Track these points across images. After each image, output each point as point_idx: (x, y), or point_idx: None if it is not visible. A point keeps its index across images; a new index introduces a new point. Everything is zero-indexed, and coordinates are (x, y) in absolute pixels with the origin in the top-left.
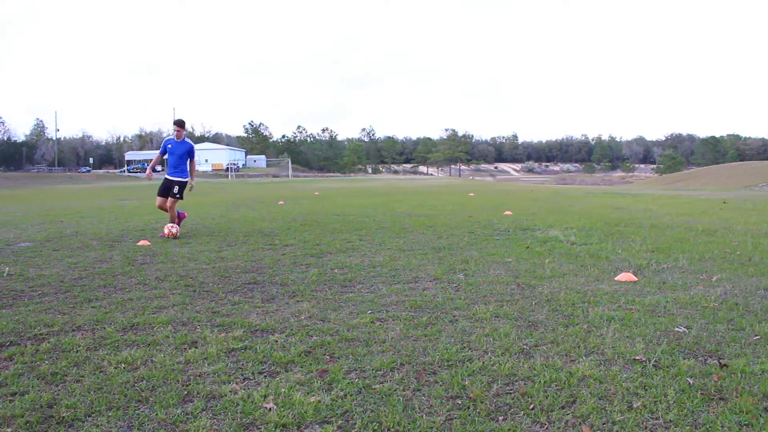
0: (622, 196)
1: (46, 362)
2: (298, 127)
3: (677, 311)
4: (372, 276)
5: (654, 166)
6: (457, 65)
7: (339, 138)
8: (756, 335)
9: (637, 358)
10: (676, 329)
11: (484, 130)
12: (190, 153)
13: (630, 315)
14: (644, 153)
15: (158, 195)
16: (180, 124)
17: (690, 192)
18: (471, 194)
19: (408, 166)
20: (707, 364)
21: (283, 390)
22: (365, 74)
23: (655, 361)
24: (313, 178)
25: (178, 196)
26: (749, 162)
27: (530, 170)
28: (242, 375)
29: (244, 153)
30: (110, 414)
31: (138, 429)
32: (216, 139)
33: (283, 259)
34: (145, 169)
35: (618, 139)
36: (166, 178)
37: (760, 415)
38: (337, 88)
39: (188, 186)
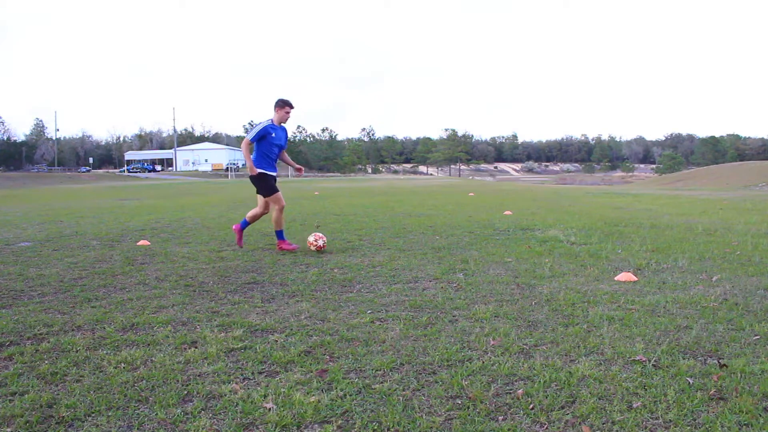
0: (622, 196)
1: (46, 362)
2: (298, 127)
3: (677, 311)
4: (372, 276)
5: (654, 166)
6: (457, 65)
7: (339, 138)
8: (756, 335)
9: (637, 358)
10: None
11: (483, 130)
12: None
13: (630, 315)
14: (644, 153)
15: (276, 191)
16: (292, 104)
17: (690, 192)
18: (471, 194)
19: (408, 166)
20: (707, 364)
21: (282, 390)
22: (365, 74)
23: (655, 361)
24: (313, 178)
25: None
26: (749, 162)
27: (530, 170)
28: (242, 375)
29: None
30: (110, 414)
31: (138, 429)
32: (216, 138)
33: (283, 259)
34: (146, 168)
35: (618, 139)
36: (271, 175)
37: (760, 415)
38: (337, 88)
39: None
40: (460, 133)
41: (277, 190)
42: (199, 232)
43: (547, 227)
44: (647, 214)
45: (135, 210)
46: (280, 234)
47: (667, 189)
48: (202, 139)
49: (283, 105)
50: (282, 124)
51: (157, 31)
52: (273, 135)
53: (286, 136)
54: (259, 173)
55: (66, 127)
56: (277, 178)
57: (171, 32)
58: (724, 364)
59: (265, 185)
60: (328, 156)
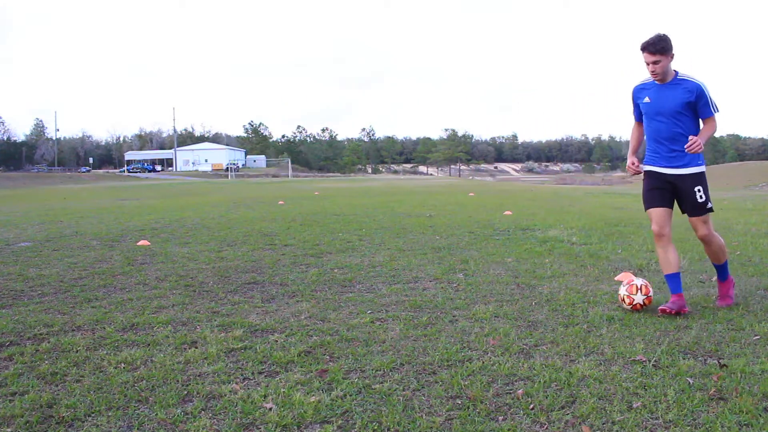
0: (622, 196)
1: (46, 362)
2: (298, 127)
3: None
4: (372, 276)
5: None
6: (457, 65)
7: (339, 138)
8: (756, 335)
9: (637, 358)
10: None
11: (484, 130)
12: (698, 103)
13: (630, 315)
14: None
15: (651, 206)
16: (661, 47)
17: None
18: (471, 194)
19: (408, 166)
20: (707, 364)
21: (283, 390)
22: (365, 74)
23: (655, 361)
24: (313, 178)
25: (708, 206)
26: (749, 162)
27: (530, 170)
28: (242, 375)
29: (244, 153)
30: (110, 414)
31: (138, 429)
32: (216, 139)
33: (283, 259)
34: (146, 168)
35: (618, 139)
36: (652, 173)
37: (760, 415)
38: (337, 88)
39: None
40: (460, 133)
41: (651, 204)
42: (199, 232)
43: (547, 227)
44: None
45: (135, 210)
46: (671, 282)
47: None
48: (202, 139)
49: (642, 51)
50: (662, 80)
51: (157, 31)
52: (646, 101)
53: (678, 96)
54: (645, 172)
55: (66, 127)
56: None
57: (171, 32)
58: (724, 364)
59: (643, 190)
60: (328, 156)
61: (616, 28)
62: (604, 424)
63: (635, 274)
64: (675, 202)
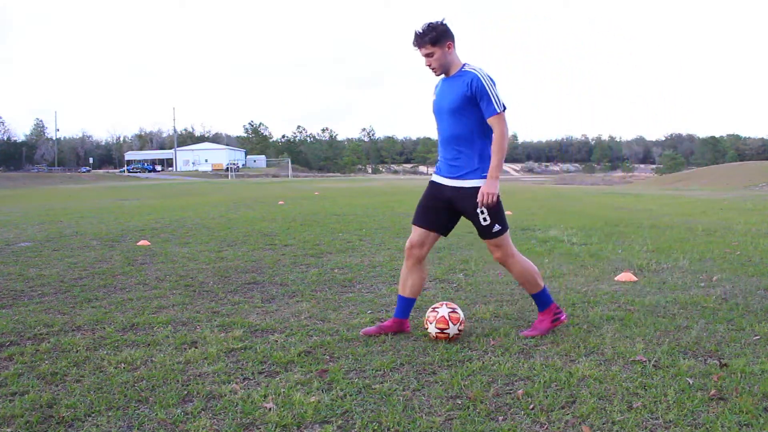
0: (623, 196)
1: (46, 362)
2: (298, 127)
3: (677, 311)
4: (372, 276)
5: (654, 166)
6: None
7: (339, 138)
8: (756, 335)
9: (637, 358)
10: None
11: None
12: (478, 99)
13: (630, 315)
14: (644, 153)
15: (415, 222)
16: (432, 37)
17: (690, 192)
18: None
19: (408, 166)
20: (707, 364)
21: (282, 390)
22: (365, 74)
23: (655, 361)
24: (313, 178)
25: (495, 229)
26: (749, 162)
27: (530, 170)
28: (242, 375)
29: (244, 153)
30: (110, 414)
31: (138, 429)
32: (216, 139)
33: (283, 259)
34: (146, 169)
35: (618, 139)
36: (433, 183)
37: (760, 415)
38: (337, 88)
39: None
40: None
41: (416, 220)
42: (199, 232)
43: (547, 227)
44: (647, 214)
45: (135, 210)
46: (399, 303)
47: (667, 189)
48: (202, 139)
49: (414, 46)
50: (447, 74)
51: (157, 31)
52: (434, 98)
53: (456, 90)
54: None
55: (66, 127)
56: (444, 187)
57: (171, 32)
58: (725, 364)
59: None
60: (328, 156)
61: (616, 28)
62: (604, 424)
63: (635, 274)
64: (457, 220)
